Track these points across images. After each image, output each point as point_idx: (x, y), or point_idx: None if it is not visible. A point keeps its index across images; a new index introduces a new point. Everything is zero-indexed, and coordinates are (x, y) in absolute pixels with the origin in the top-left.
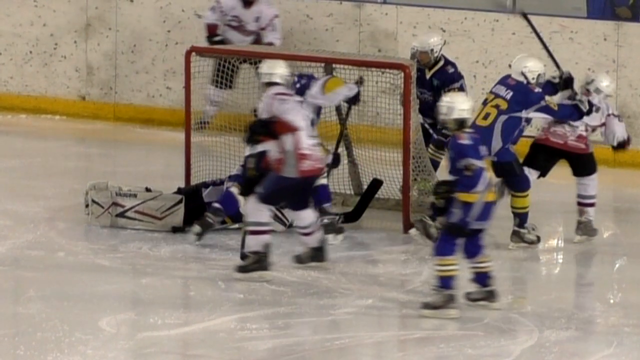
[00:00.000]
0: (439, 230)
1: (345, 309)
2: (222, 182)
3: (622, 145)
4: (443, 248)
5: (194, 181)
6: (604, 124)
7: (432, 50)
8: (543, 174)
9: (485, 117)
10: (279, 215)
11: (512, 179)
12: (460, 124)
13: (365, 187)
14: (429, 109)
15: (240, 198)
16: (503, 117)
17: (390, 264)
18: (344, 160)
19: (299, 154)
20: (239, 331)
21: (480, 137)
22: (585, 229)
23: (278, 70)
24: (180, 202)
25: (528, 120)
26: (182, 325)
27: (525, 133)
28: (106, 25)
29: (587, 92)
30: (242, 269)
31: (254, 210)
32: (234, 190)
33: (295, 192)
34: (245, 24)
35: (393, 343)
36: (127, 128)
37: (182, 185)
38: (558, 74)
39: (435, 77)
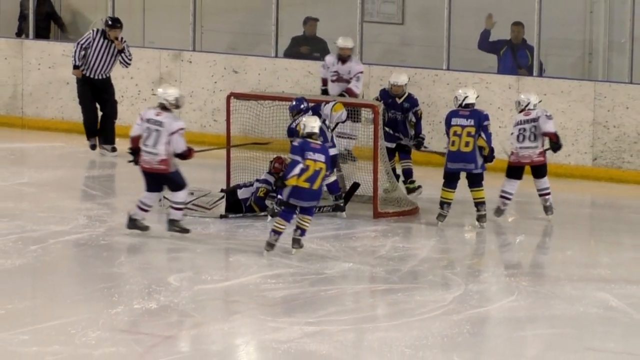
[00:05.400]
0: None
1: (334, 269)
2: (251, 184)
3: (555, 142)
4: (281, 214)
5: (232, 183)
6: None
7: (405, 85)
8: (519, 178)
9: (467, 145)
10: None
11: (479, 181)
12: (309, 135)
13: (348, 187)
14: (399, 125)
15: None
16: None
17: (364, 239)
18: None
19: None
20: (262, 285)
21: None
22: (548, 209)
23: (161, 94)
24: (222, 198)
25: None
26: (224, 281)
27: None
28: (173, 78)
29: (526, 111)
30: (128, 227)
31: (144, 195)
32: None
33: (151, 178)
34: (342, 76)
35: (366, 293)
36: None
37: (224, 186)
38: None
39: (405, 102)
